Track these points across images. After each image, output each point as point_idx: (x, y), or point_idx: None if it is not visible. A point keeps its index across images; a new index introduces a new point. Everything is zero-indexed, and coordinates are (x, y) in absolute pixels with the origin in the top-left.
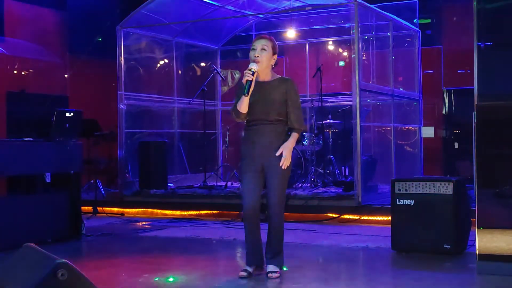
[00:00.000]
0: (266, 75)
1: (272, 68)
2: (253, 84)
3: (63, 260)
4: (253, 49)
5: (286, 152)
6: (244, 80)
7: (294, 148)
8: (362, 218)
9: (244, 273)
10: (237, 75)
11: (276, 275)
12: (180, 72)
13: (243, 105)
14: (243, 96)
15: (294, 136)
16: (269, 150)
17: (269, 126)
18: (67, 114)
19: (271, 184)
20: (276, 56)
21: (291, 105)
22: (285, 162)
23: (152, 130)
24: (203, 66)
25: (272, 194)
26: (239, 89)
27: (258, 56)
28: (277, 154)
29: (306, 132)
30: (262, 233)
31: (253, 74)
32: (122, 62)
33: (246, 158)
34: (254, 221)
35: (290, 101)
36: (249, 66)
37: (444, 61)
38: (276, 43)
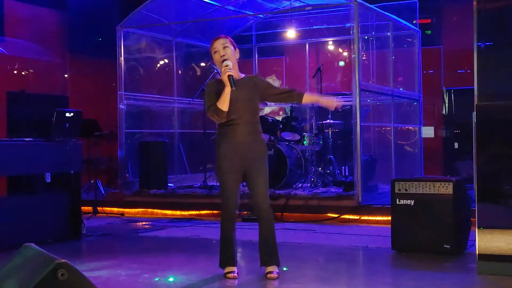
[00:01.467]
0: (236, 72)
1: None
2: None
3: (63, 260)
4: (216, 51)
5: (325, 98)
6: (226, 76)
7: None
8: (362, 218)
9: (235, 274)
10: None
11: (275, 275)
12: (180, 72)
13: (226, 103)
14: (226, 92)
15: (303, 92)
16: (249, 150)
17: (246, 125)
18: (67, 114)
19: (256, 184)
20: (238, 51)
21: (273, 87)
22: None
23: (152, 130)
24: (203, 66)
25: (260, 194)
26: (211, 90)
27: (224, 55)
28: (333, 105)
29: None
30: (254, 233)
31: (231, 69)
32: (122, 62)
33: (227, 157)
34: (234, 221)
35: (268, 87)
36: (224, 63)
37: (444, 61)
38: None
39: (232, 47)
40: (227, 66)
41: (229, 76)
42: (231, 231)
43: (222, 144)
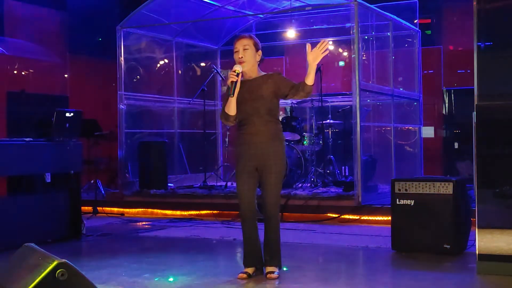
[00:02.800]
0: (253, 73)
1: (259, 64)
2: (238, 84)
3: (63, 260)
4: (236, 51)
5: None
6: (229, 82)
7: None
8: (362, 218)
9: (244, 275)
10: None
11: (275, 275)
12: (180, 72)
13: (231, 107)
14: (229, 98)
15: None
16: (262, 150)
17: (261, 125)
18: (67, 114)
19: (266, 185)
20: (260, 52)
21: (286, 85)
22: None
23: (152, 130)
24: (203, 66)
25: (268, 194)
26: (226, 93)
27: (242, 57)
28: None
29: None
30: (260, 233)
31: (237, 75)
32: (122, 62)
33: (241, 158)
34: (252, 221)
35: (285, 85)
36: (234, 67)
37: (444, 61)
38: (257, 39)
39: (253, 49)
40: (234, 71)
41: (231, 82)
42: (250, 231)
43: (237, 145)
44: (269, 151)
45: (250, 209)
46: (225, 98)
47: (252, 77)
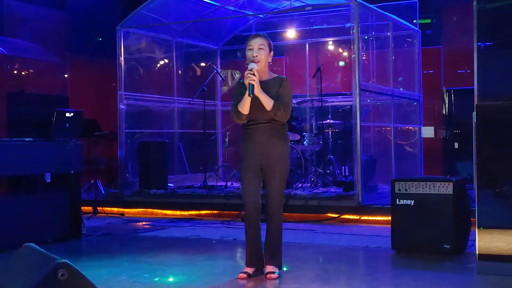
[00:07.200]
0: (263, 74)
1: (268, 65)
2: (257, 84)
3: (63, 260)
4: (250, 49)
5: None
6: (246, 82)
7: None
8: (362, 218)
9: (244, 275)
10: (237, 75)
11: (275, 275)
12: (180, 72)
13: (246, 106)
14: (246, 97)
15: (267, 97)
16: (267, 149)
17: (266, 125)
18: (67, 114)
19: (270, 184)
20: (272, 53)
21: (279, 97)
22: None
23: (152, 130)
24: (203, 66)
25: (271, 194)
26: (237, 91)
27: (256, 56)
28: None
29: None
30: (262, 233)
31: (255, 74)
32: (122, 62)
33: (245, 157)
34: (255, 221)
35: (280, 94)
36: (249, 66)
37: (444, 61)
38: (271, 41)
39: (267, 50)
40: (250, 71)
41: (249, 83)
42: (252, 231)
43: (242, 144)
44: (274, 150)
45: (254, 207)
46: (236, 96)
47: (262, 78)
